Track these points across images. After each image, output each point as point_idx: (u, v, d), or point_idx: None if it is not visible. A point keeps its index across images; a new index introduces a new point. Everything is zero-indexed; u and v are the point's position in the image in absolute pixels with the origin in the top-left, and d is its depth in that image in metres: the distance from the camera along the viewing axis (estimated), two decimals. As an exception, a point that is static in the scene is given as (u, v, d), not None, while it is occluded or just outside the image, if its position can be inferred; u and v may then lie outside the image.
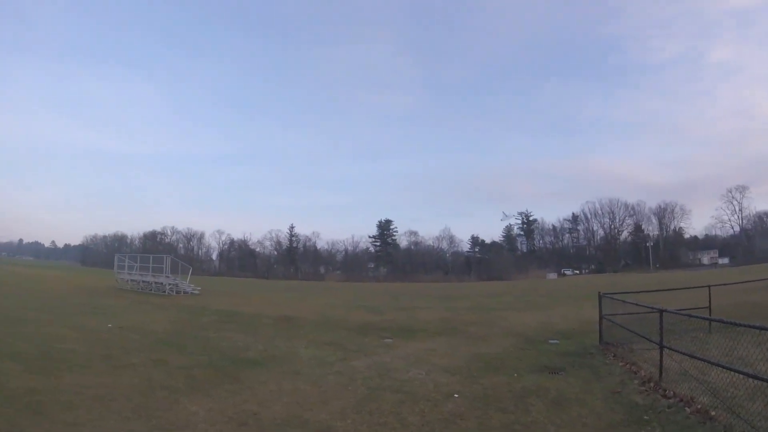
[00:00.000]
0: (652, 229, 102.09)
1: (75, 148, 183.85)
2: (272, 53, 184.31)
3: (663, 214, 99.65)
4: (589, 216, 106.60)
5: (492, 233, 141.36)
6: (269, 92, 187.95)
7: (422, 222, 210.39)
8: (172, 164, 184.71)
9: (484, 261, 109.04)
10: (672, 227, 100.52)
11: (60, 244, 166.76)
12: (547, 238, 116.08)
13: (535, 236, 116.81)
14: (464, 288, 55.55)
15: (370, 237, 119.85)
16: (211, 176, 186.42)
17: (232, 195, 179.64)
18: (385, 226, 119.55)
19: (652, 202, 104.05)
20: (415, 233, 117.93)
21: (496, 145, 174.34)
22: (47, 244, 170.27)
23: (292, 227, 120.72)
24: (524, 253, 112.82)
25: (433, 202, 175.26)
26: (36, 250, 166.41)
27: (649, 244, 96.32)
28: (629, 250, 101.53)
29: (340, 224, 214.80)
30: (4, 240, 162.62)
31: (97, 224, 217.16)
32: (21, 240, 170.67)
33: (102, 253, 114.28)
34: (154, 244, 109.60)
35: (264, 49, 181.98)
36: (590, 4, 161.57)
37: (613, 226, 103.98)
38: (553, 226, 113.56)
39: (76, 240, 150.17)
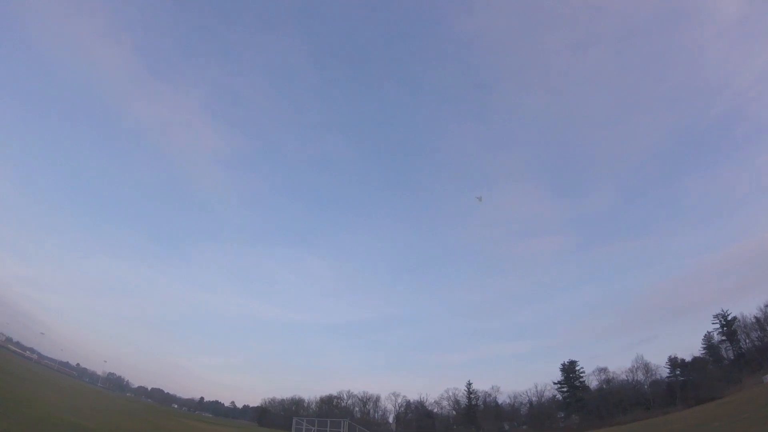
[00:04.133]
0: None
1: (255, 318, 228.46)
2: (427, 215, 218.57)
3: None
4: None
5: (691, 348, 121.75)
6: (427, 250, 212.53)
7: (609, 357, 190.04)
8: (344, 330, 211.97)
9: (689, 383, 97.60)
10: None
11: (239, 405, 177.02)
12: (753, 334, 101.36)
13: (739, 337, 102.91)
14: (670, 423, 50.34)
15: (555, 383, 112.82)
16: (382, 338, 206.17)
17: (404, 355, 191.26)
18: (569, 369, 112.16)
19: None
20: (604, 370, 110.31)
21: (665, 255, 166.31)
22: (227, 404, 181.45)
23: (469, 384, 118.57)
24: (732, 360, 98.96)
25: (617, 332, 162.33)
26: (215, 408, 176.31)
27: None
28: None
29: (520, 374, 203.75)
30: (186, 396, 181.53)
31: (275, 387, 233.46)
32: (202, 398, 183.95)
33: (279, 416, 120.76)
34: (330, 408, 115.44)
35: (417, 218, 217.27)
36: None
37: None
38: (756, 318, 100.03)
39: (254, 401, 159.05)
